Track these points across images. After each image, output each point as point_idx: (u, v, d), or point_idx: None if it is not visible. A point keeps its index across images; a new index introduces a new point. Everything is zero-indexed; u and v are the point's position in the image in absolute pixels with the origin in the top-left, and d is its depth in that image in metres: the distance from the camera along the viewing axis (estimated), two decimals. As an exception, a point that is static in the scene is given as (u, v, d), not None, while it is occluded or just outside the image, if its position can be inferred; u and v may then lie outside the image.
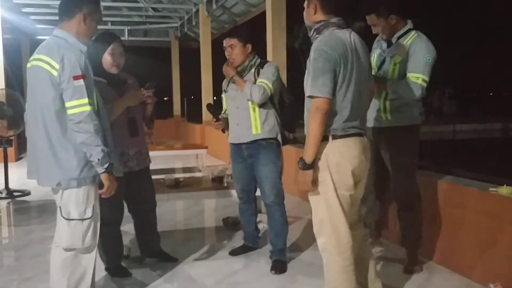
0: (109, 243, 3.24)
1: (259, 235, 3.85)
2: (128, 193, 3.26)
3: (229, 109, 3.55)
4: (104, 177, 2.50)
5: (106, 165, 2.46)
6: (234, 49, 3.38)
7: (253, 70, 3.41)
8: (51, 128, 2.44)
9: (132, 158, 3.23)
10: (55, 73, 2.39)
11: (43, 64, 2.43)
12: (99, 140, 2.42)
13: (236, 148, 3.51)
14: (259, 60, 3.47)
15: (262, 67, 3.39)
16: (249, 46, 3.40)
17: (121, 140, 3.11)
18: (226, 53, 3.45)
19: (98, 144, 2.41)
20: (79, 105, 2.39)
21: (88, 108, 2.40)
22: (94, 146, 2.41)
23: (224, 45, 3.44)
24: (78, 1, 2.51)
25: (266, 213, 3.54)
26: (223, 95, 3.61)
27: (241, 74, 3.41)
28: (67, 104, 2.40)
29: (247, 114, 3.37)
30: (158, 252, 3.61)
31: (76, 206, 2.51)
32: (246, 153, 3.45)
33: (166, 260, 3.58)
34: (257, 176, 3.48)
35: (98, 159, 2.42)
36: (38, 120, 2.48)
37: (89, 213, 2.54)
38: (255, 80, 3.35)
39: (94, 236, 2.59)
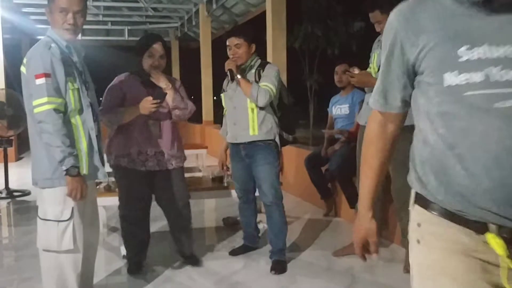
0: (126, 239, 3.40)
1: (259, 235, 3.85)
2: (155, 193, 3.39)
3: (227, 109, 3.55)
4: (67, 179, 2.38)
5: (67, 167, 2.34)
6: (240, 49, 3.31)
7: (253, 70, 3.37)
8: (31, 128, 2.46)
9: (151, 158, 3.24)
10: (25, 71, 2.40)
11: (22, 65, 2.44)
12: (60, 141, 2.32)
13: (235, 147, 3.51)
14: (259, 60, 3.43)
15: (263, 69, 3.34)
16: (253, 46, 3.36)
17: (139, 140, 3.21)
18: (229, 52, 3.36)
19: (58, 145, 2.32)
20: (39, 105, 2.32)
21: (47, 107, 2.31)
22: (55, 146, 2.33)
23: (228, 43, 3.36)
24: None
25: (265, 213, 3.54)
26: (222, 95, 3.58)
27: (242, 73, 3.36)
28: (33, 104, 2.35)
29: (245, 115, 3.34)
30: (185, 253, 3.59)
31: (53, 206, 2.43)
32: (244, 153, 3.45)
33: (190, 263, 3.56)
34: (255, 176, 3.47)
35: (59, 161, 2.34)
36: (29, 120, 2.50)
37: (66, 215, 2.42)
38: (256, 81, 3.31)
39: (74, 239, 2.45)
